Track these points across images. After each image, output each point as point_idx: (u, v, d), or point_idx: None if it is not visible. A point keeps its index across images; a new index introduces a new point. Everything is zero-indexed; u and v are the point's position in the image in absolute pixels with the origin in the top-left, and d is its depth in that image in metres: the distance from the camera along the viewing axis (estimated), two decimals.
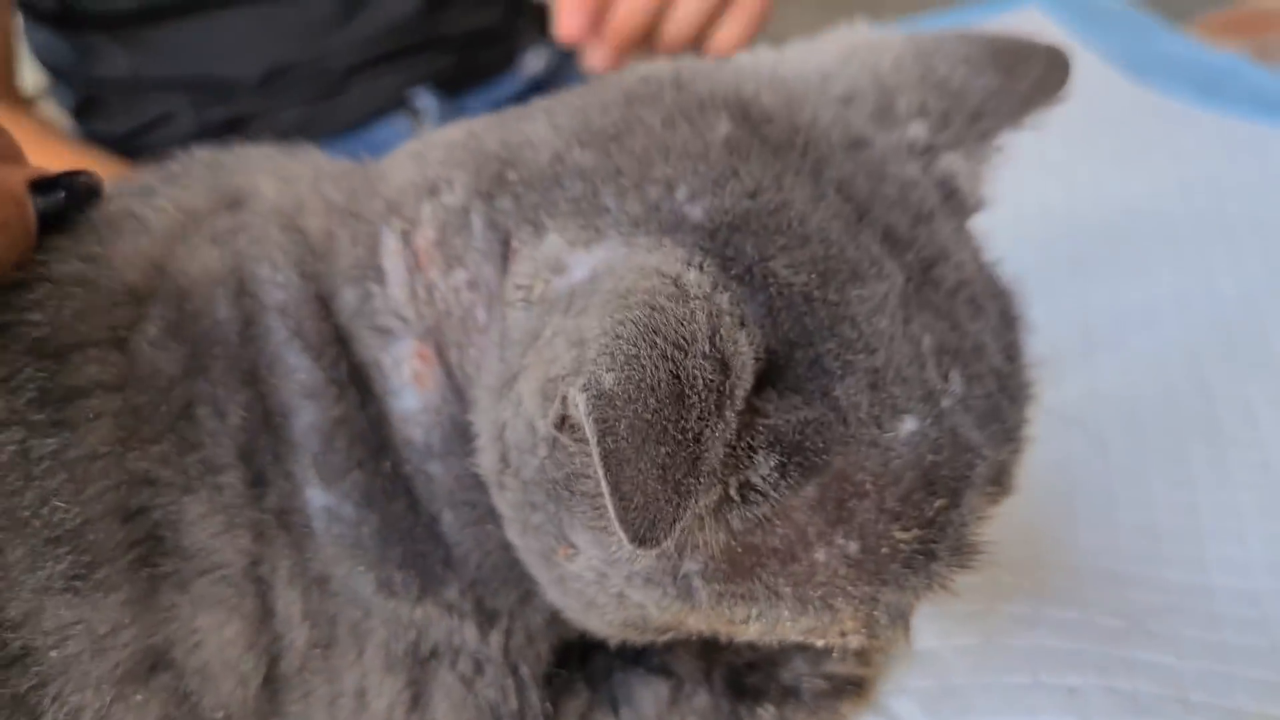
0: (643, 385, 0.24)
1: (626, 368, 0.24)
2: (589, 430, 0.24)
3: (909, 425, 0.28)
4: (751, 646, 0.39)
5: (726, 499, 0.27)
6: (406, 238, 0.32)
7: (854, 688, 0.39)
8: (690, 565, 0.28)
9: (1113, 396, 0.55)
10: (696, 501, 0.24)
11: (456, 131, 0.34)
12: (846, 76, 0.35)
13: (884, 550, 0.28)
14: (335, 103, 0.93)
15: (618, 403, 0.24)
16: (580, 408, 0.24)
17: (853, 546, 0.28)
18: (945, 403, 0.29)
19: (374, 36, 0.90)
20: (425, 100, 0.93)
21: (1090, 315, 0.60)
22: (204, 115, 0.89)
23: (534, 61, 0.98)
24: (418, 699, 0.33)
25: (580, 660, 0.38)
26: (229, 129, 0.89)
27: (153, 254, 0.32)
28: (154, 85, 0.87)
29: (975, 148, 0.35)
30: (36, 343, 0.30)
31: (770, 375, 0.27)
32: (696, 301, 0.26)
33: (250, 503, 0.30)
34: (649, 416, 0.24)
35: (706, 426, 0.24)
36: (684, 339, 0.25)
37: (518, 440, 0.28)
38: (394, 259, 0.32)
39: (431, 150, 0.33)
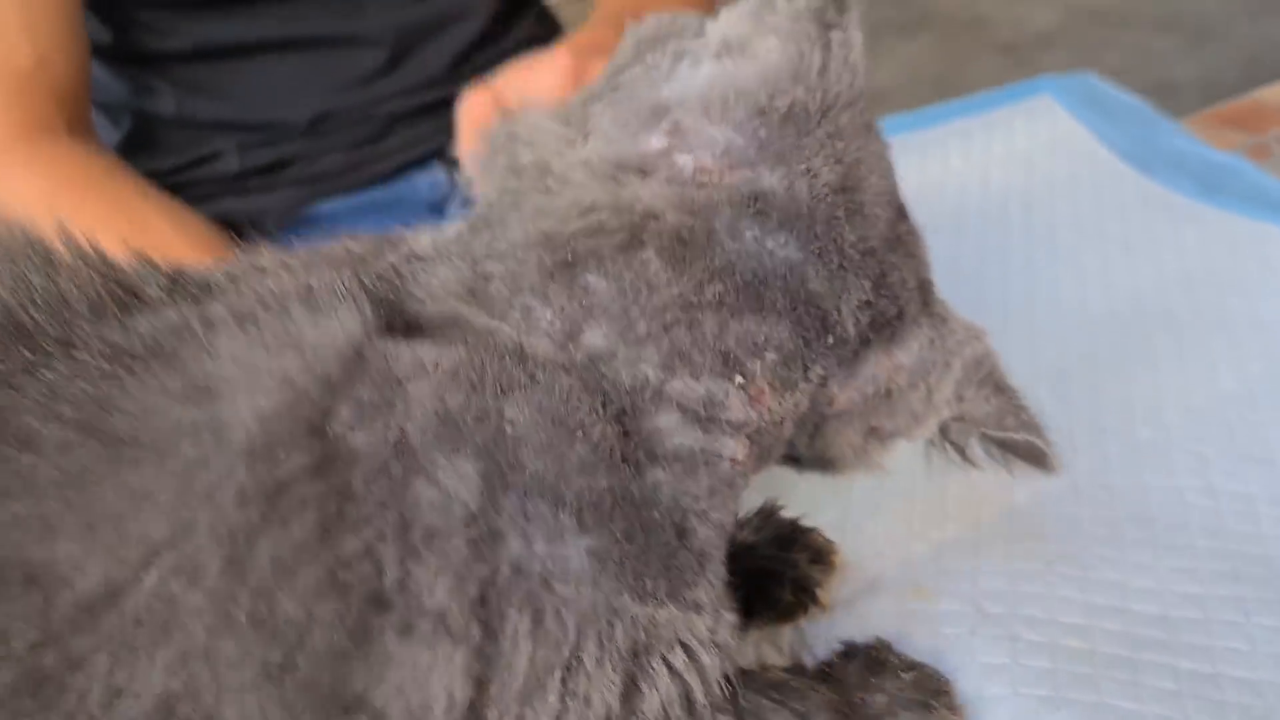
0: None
1: (1022, 404, 0.45)
2: (1043, 442, 0.45)
3: None
4: (861, 700, 0.44)
5: None
6: (744, 387, 0.39)
7: None
8: None
9: (1121, 488, 0.58)
10: None
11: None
12: None
13: None
14: (377, 149, 0.96)
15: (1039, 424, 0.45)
16: (1035, 439, 0.45)
17: None
18: None
19: (415, 87, 0.93)
20: None
21: (1099, 407, 0.63)
22: (248, 157, 0.92)
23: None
24: (630, 690, 0.36)
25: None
26: (271, 171, 0.92)
27: (356, 337, 0.35)
28: (201, 125, 0.90)
29: None
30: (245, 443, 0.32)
31: None
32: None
33: (482, 559, 0.33)
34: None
35: None
36: None
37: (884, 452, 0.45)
38: (734, 397, 0.39)
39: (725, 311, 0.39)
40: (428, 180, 0.96)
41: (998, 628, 0.49)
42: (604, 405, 0.37)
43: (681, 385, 0.38)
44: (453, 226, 0.42)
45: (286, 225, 0.95)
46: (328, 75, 0.89)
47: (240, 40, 0.86)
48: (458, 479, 0.33)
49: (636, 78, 0.42)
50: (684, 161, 0.40)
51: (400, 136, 0.95)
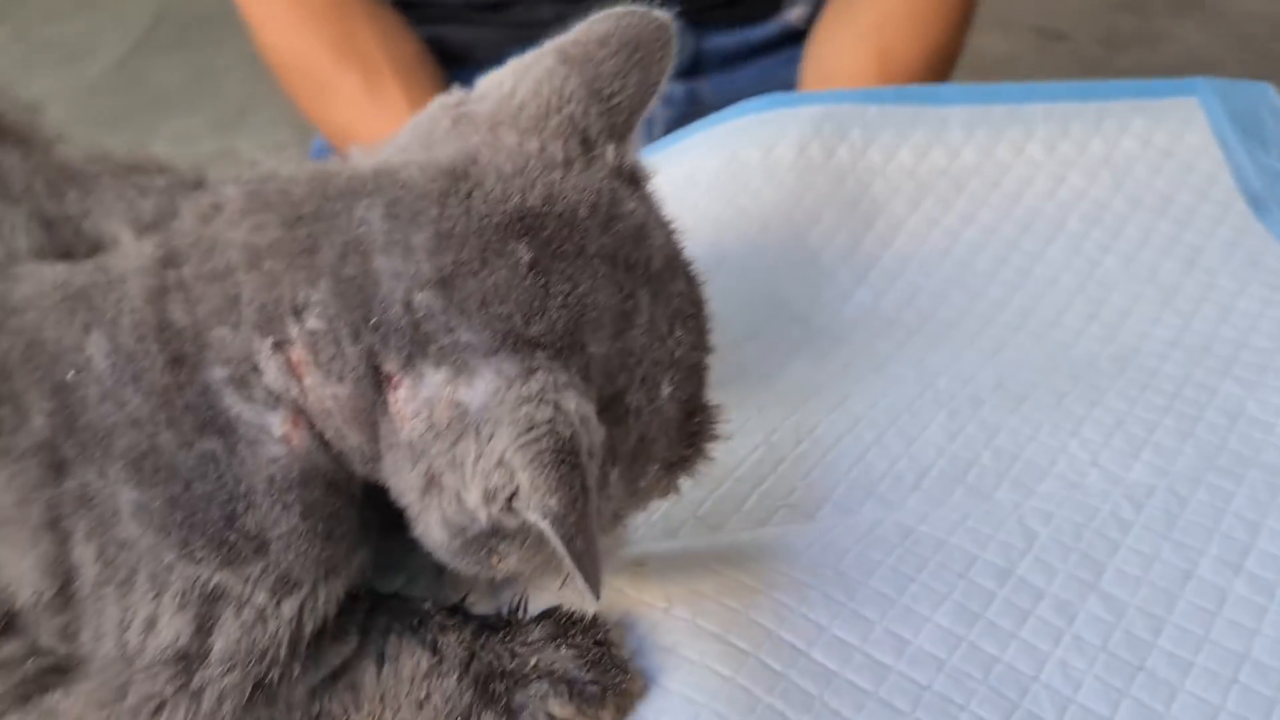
0: (575, 498, 0.36)
1: (560, 489, 0.36)
2: (557, 542, 0.36)
3: (665, 388, 0.42)
4: (512, 654, 0.45)
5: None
6: (279, 347, 0.40)
7: None
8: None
9: (922, 536, 0.55)
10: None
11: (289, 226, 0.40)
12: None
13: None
14: (589, 7, 1.00)
15: (569, 520, 0.36)
16: (547, 530, 0.36)
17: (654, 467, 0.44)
18: (679, 353, 0.42)
19: None
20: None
21: (973, 458, 0.59)
22: None
23: (795, 11, 1.00)
24: (200, 630, 0.41)
25: (367, 613, 0.45)
26: (492, 9, 0.98)
27: None
28: None
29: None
30: None
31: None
32: (577, 419, 0.37)
33: (48, 484, 0.40)
34: (585, 519, 0.37)
35: (606, 504, 0.40)
36: (588, 452, 0.38)
37: (454, 514, 0.39)
38: (270, 359, 0.40)
39: (279, 249, 0.40)
40: None
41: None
42: (163, 346, 0.39)
43: (222, 333, 0.39)
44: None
45: (493, 60, 1.02)
46: None
47: None
48: (32, 408, 0.39)
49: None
50: None
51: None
